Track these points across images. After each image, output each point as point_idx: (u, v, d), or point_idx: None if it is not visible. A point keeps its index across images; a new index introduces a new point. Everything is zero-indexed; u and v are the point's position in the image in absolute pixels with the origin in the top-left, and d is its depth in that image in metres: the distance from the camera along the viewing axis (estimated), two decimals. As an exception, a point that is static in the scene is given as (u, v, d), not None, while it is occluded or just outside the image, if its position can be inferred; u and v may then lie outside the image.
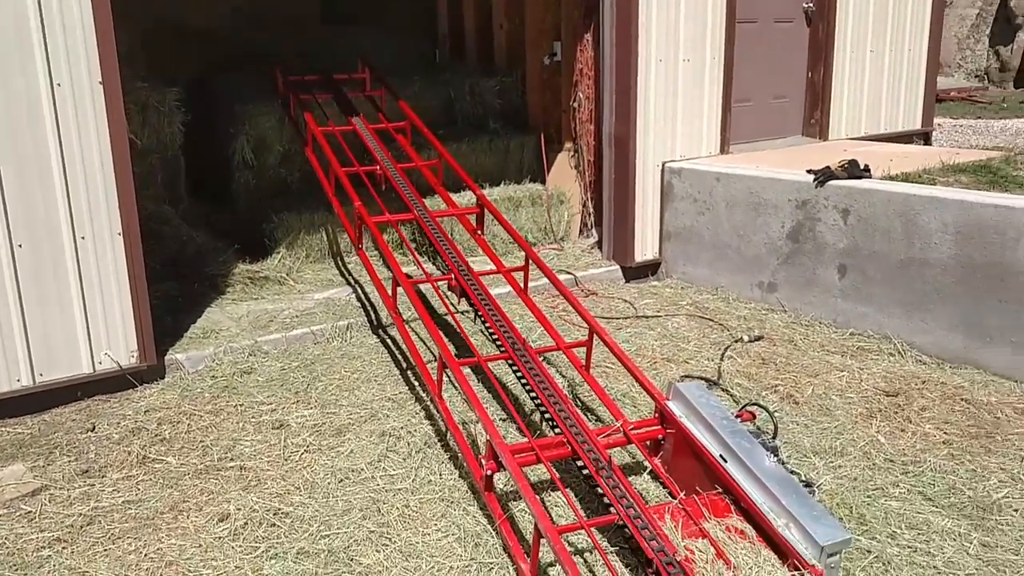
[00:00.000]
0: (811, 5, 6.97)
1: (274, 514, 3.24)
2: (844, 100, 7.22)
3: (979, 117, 12.19)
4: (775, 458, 2.80)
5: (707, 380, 4.33)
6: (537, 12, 6.95)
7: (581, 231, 6.91)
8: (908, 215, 4.77)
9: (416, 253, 5.23)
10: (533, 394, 3.43)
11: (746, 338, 4.90)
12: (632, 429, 3.13)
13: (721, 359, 4.58)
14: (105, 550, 3.07)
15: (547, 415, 3.27)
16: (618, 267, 6.24)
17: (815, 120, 7.22)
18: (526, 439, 3.11)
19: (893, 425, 3.84)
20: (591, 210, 6.76)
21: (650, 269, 6.33)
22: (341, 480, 3.45)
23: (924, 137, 7.99)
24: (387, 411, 4.03)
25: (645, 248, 6.24)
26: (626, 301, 5.65)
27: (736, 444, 2.82)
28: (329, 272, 6.07)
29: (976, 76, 15.92)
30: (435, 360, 3.64)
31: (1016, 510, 3.15)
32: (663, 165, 6.13)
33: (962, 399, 4.07)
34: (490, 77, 7.47)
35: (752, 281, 5.68)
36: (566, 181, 6.85)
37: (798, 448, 3.63)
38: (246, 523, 3.19)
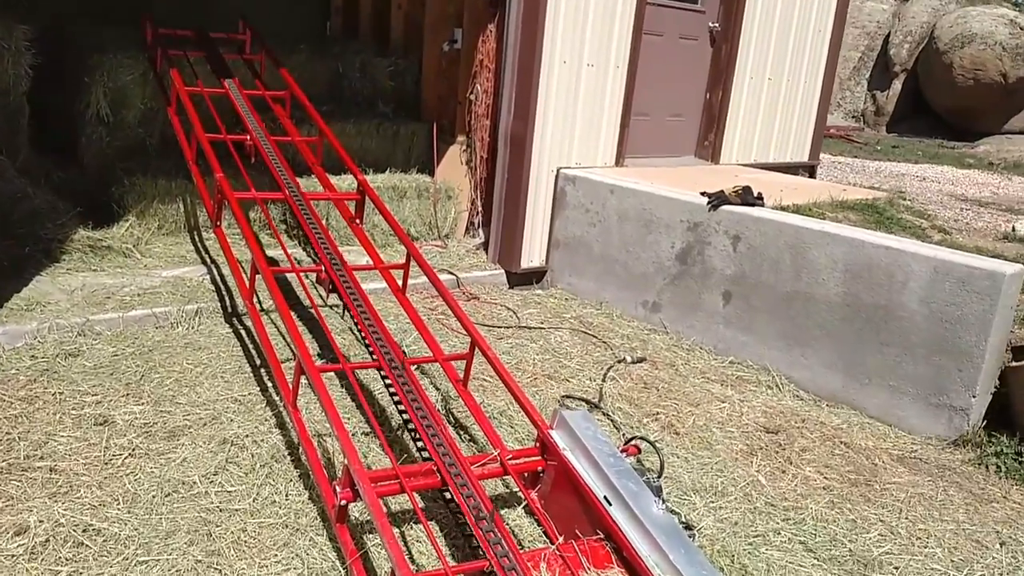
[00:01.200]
0: (717, 25, 6.90)
1: (83, 531, 2.74)
2: (739, 125, 7.20)
3: (855, 156, 12.65)
4: (662, 504, 2.55)
5: (588, 402, 4.08)
6: (439, -6, 6.58)
7: (467, 230, 6.57)
8: (798, 248, 4.69)
9: (282, 237, 4.75)
10: (403, 409, 3.07)
11: (629, 359, 4.69)
12: (510, 459, 2.81)
13: (603, 380, 4.34)
14: None
15: (416, 436, 2.91)
16: (503, 271, 5.95)
17: (708, 142, 7.16)
18: (390, 464, 2.74)
19: (774, 465, 3.69)
20: (480, 209, 6.43)
21: (535, 276, 6.06)
22: (168, 494, 2.98)
23: (810, 170, 8.10)
24: (232, 414, 3.56)
25: (532, 255, 5.97)
26: (509, 309, 5.36)
27: (622, 486, 2.55)
28: (183, 248, 5.48)
29: (853, 116, 16.61)
30: (292, 361, 3.22)
31: (896, 568, 3.03)
32: (558, 171, 5.87)
33: (841, 442, 3.98)
34: (384, 57, 7.02)
35: (637, 299, 5.50)
36: (456, 176, 6.50)
37: (679, 484, 3.41)
38: (47, 540, 2.69)
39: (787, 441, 3.91)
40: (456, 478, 2.63)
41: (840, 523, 3.28)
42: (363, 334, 3.39)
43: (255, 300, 3.78)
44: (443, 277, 5.59)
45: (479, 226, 6.43)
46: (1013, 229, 6.33)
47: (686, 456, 3.66)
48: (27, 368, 3.79)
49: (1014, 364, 4.11)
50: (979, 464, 3.86)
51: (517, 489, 2.95)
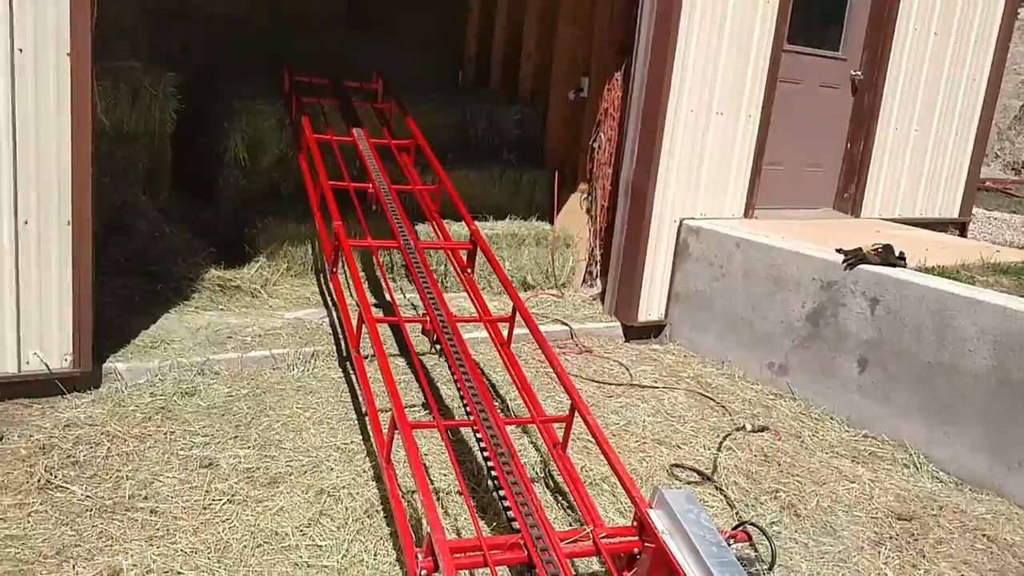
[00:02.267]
0: (859, 73, 6.55)
1: (172, 577, 2.75)
2: (881, 177, 6.77)
3: (1014, 211, 11.70)
4: (768, 602, 2.31)
5: (701, 473, 3.83)
6: (568, 45, 6.55)
7: (585, 279, 6.44)
8: (943, 314, 4.29)
9: (391, 287, 4.76)
10: (494, 472, 2.95)
11: (749, 427, 4.40)
12: (604, 537, 2.64)
13: (719, 449, 4.08)
14: (-36, 597, 2.60)
15: (506, 503, 2.78)
16: (619, 324, 5.77)
17: (848, 195, 6.77)
18: (475, 534, 2.62)
19: (904, 558, 3.33)
20: (598, 258, 6.29)
21: (653, 331, 5.85)
22: (260, 544, 2.96)
23: (960, 227, 7.52)
24: (332, 463, 3.54)
25: (651, 308, 5.76)
26: (622, 364, 5.17)
27: (724, 580, 2.33)
28: (308, 289, 5.61)
29: (1013, 169, 15.49)
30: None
31: None
32: (681, 222, 5.67)
33: (984, 534, 3.56)
34: (511, 106, 7.05)
35: (763, 360, 5.19)
36: (575, 224, 6.40)
37: (795, 575, 3.12)
38: (137, 584, 2.71)
39: (921, 531, 3.53)
40: (543, 554, 2.48)
41: (980, 634, 2.91)
42: (460, 390, 3.30)
43: (363, 347, 3.78)
44: (557, 327, 5.49)
45: (596, 276, 6.28)
46: None
47: (806, 542, 3.36)
48: (145, 405, 3.91)
49: None
50: None
51: (610, 570, 2.76)
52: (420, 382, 4.23)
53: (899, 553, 3.36)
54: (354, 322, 3.71)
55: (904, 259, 4.75)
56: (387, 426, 2.99)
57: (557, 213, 6.52)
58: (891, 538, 3.46)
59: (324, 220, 4.60)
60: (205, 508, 3.16)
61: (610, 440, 3.23)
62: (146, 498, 3.20)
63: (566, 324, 5.56)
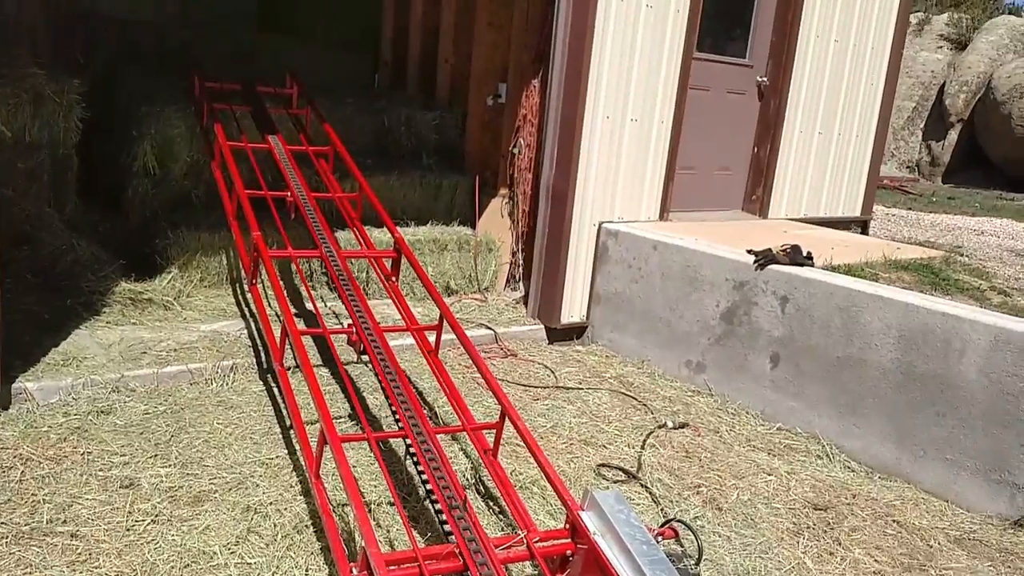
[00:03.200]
0: (765, 79, 6.78)
1: (97, 605, 2.67)
2: (787, 179, 7.03)
3: (910, 208, 12.32)
4: (698, 597, 2.39)
5: (626, 472, 3.92)
6: (485, 50, 6.59)
7: (508, 283, 6.50)
8: (850, 311, 4.50)
9: (314, 296, 4.70)
10: (427, 481, 2.96)
11: (670, 424, 4.52)
12: (537, 541, 2.68)
13: (642, 448, 4.18)
14: None
15: (440, 513, 2.79)
16: (542, 327, 5.84)
17: (756, 196, 7.01)
18: (408, 545, 2.62)
19: (821, 546, 3.48)
20: (520, 262, 6.36)
21: (575, 332, 5.94)
22: (188, 565, 2.90)
23: (862, 225, 7.87)
24: (258, 479, 3.49)
25: (572, 310, 5.85)
26: (547, 367, 5.23)
27: (655, 578, 2.39)
28: (224, 300, 5.49)
29: (908, 167, 16.26)
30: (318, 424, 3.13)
31: (954, 669, 2.80)
32: (600, 225, 5.78)
33: (894, 520, 3.76)
34: (429, 111, 7.05)
35: (681, 359, 5.34)
36: (497, 229, 6.45)
37: (719, 567, 3.23)
38: (60, 613, 2.62)
39: (836, 519, 3.70)
40: (480, 564, 2.50)
41: (893, 615, 3.07)
42: (390, 399, 3.30)
43: (287, 359, 3.73)
44: (481, 332, 5.53)
45: (519, 279, 6.35)
46: (1079, 290, 6.02)
47: (728, 535, 3.48)
48: (59, 425, 3.77)
49: (1083, 441, 3.85)
50: (1046, 549, 3.60)
51: (543, 573, 2.80)
52: (348, 393, 4.21)
53: (816, 542, 3.51)
54: (276, 334, 3.66)
55: (811, 258, 4.95)
56: (316, 440, 2.97)
57: (479, 218, 6.55)
58: (808, 528, 3.61)
59: (241, 230, 4.52)
60: (128, 530, 3.07)
61: (538, 443, 3.27)
62: (65, 522, 3.09)
63: (490, 328, 5.60)
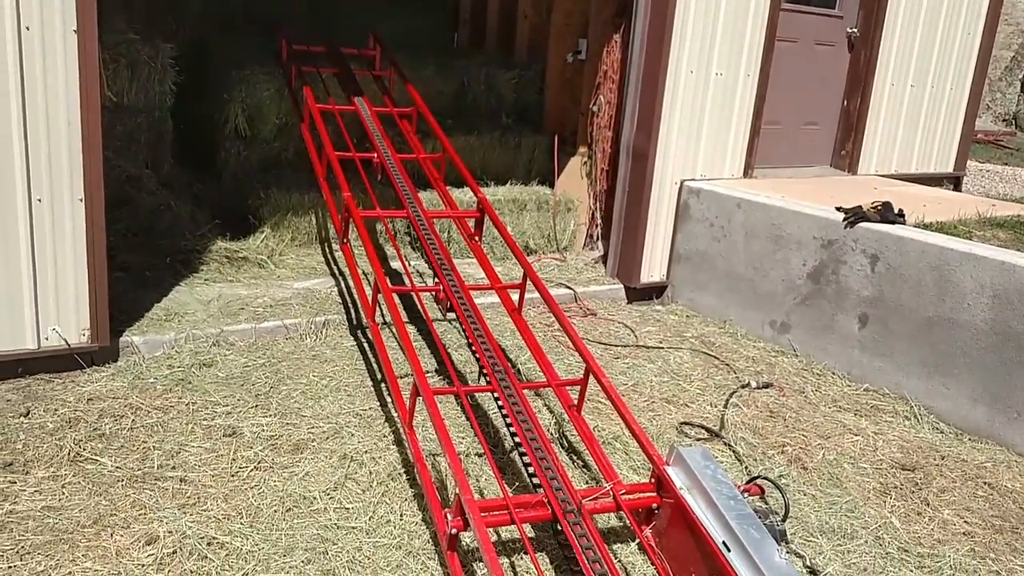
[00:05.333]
0: (855, 31, 6.56)
1: (208, 544, 2.84)
2: (878, 134, 6.83)
3: (1006, 163, 11.79)
4: (785, 552, 2.41)
5: (709, 430, 3.94)
6: (565, 5, 6.53)
7: (586, 243, 6.51)
8: (942, 270, 4.38)
9: (402, 255, 4.81)
10: (515, 434, 3.04)
11: (754, 384, 4.51)
12: (623, 494, 2.74)
13: (725, 407, 4.19)
14: (9, 567, 2.68)
15: (528, 464, 2.88)
16: (622, 286, 5.85)
17: (845, 152, 6.83)
18: (501, 493, 2.72)
19: (909, 506, 3.45)
20: (599, 222, 6.36)
21: (655, 292, 5.94)
22: (289, 509, 3.06)
23: (955, 182, 7.60)
24: (353, 429, 3.63)
25: (652, 269, 5.84)
26: (627, 326, 5.26)
27: (743, 532, 2.43)
28: (314, 259, 5.66)
29: (1004, 120, 15.53)
30: (411, 377, 3.24)
31: (1047, 631, 2.77)
32: (681, 183, 5.72)
33: (985, 482, 3.69)
34: (508, 69, 7.05)
35: (764, 319, 5.29)
36: (576, 188, 6.45)
37: (804, 525, 3.24)
38: (175, 551, 2.80)
39: (924, 480, 3.66)
40: (568, 513, 2.58)
41: (982, 574, 3.03)
42: (478, 356, 3.38)
43: (376, 315, 3.85)
44: (560, 291, 5.57)
45: (598, 239, 6.35)
46: None
47: (814, 494, 3.48)
48: (164, 377, 3.99)
49: None
50: None
51: (630, 524, 2.87)
52: (435, 348, 4.32)
53: (904, 502, 3.48)
54: (368, 292, 3.77)
55: (903, 216, 4.82)
56: (409, 392, 3.08)
57: (557, 177, 6.56)
58: (896, 487, 3.58)
59: (331, 191, 4.64)
60: (233, 475, 3.25)
61: (623, 400, 3.32)
62: (174, 468, 3.29)
63: (570, 288, 5.64)
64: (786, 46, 6.18)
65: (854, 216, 4.80)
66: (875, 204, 4.89)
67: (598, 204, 6.32)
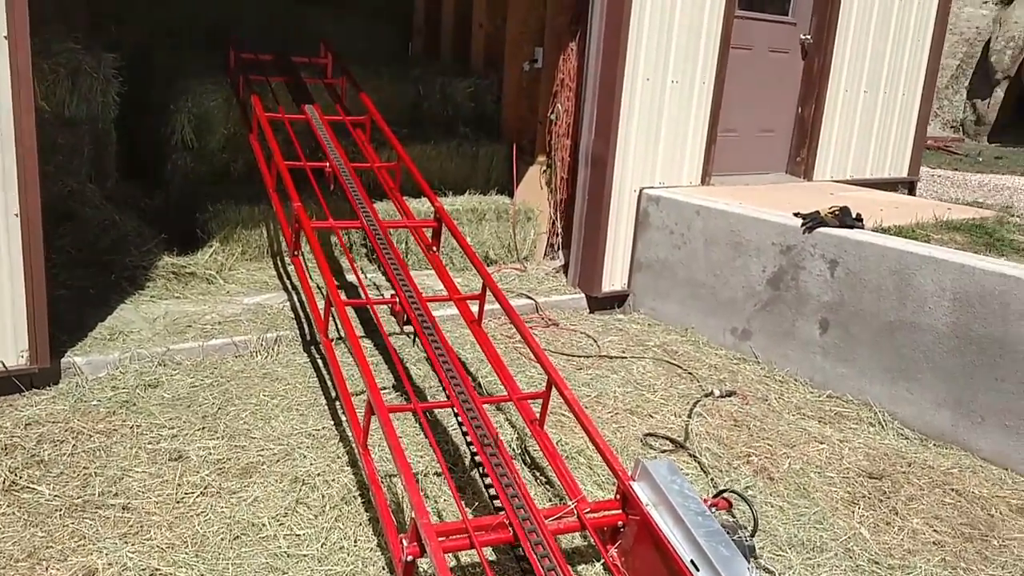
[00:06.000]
0: (808, 37, 6.58)
1: (150, 575, 2.68)
2: (832, 140, 6.85)
3: (955, 169, 12.01)
4: (755, 569, 2.33)
5: (674, 441, 3.86)
6: (520, 14, 6.46)
7: (547, 252, 6.43)
8: (902, 274, 4.37)
9: (357, 267, 4.68)
10: (475, 452, 2.93)
11: (717, 392, 4.45)
12: (588, 512, 2.63)
13: (689, 416, 4.12)
14: (-68, 609, 2.50)
15: (489, 484, 2.76)
16: (583, 296, 5.77)
17: (801, 158, 6.84)
18: (460, 516, 2.60)
19: (878, 516, 3.40)
20: (559, 231, 6.28)
21: (617, 301, 5.86)
22: (237, 536, 2.90)
23: (909, 186, 7.66)
24: (305, 450, 3.48)
25: (614, 278, 5.77)
26: (589, 336, 5.17)
27: (712, 550, 2.34)
28: (266, 273, 5.49)
29: (952, 127, 15.84)
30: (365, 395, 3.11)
31: (1021, 640, 2.72)
32: (641, 191, 5.67)
33: (952, 489, 3.66)
34: (464, 78, 6.96)
35: (726, 326, 5.24)
36: (536, 197, 6.37)
37: (774, 538, 3.17)
38: (114, 585, 2.64)
39: (892, 488, 3.61)
40: (530, 534, 2.47)
41: (954, 585, 2.99)
42: (436, 370, 3.26)
43: (330, 330, 3.71)
44: (522, 301, 5.47)
45: (559, 248, 6.28)
46: None
47: (781, 505, 3.41)
48: (108, 399, 3.80)
49: None
50: (1112, 517, 3.48)
51: (595, 544, 2.76)
52: (392, 364, 4.19)
53: (873, 511, 3.43)
54: (320, 306, 3.63)
55: (861, 220, 4.81)
56: (363, 411, 2.94)
57: (516, 186, 6.47)
58: (864, 497, 3.53)
59: (281, 202, 4.49)
60: (178, 502, 3.09)
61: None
62: (116, 495, 3.12)
63: (531, 298, 5.54)
64: (741, 54, 6.17)
65: (812, 221, 4.77)
66: (833, 209, 4.87)
67: (558, 213, 6.25)
